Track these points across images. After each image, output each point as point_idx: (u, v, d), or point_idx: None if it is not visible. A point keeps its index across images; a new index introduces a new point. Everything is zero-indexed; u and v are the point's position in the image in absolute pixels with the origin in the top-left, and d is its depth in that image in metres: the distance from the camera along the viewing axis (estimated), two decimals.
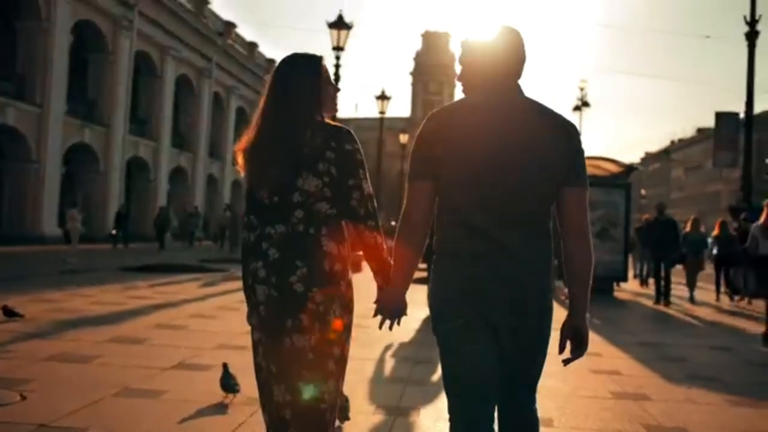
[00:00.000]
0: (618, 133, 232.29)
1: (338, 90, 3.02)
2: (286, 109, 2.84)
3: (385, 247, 2.92)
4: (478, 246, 2.56)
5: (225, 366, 5.33)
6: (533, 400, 2.79)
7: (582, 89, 46.72)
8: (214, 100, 48.35)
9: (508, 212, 2.55)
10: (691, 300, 15.72)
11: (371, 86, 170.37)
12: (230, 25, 49.48)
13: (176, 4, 40.80)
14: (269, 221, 2.84)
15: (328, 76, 2.96)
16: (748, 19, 19.73)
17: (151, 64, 40.63)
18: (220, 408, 5.18)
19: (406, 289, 2.81)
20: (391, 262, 2.83)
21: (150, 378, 5.94)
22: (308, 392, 2.81)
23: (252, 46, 53.92)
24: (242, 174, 2.96)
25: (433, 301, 2.71)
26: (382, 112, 35.28)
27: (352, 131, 2.89)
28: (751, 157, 20.46)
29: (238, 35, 51.49)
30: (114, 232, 30.41)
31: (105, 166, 35.94)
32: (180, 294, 12.50)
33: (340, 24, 22.73)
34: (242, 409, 5.12)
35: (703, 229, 17.20)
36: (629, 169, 17.70)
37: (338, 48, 22.67)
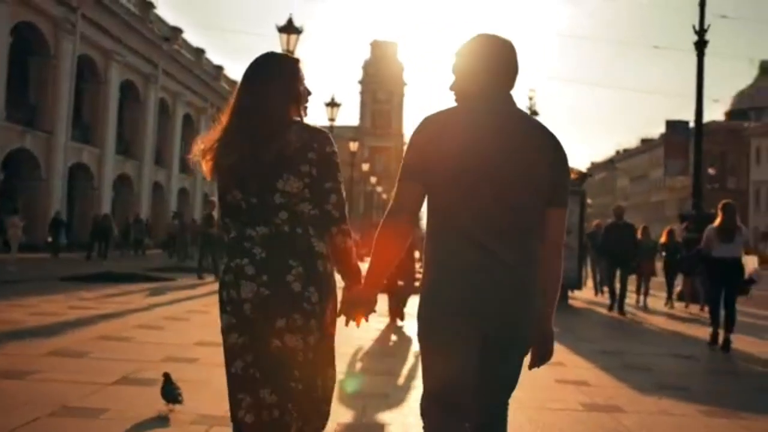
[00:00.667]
0: (563, 143, 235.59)
1: (311, 93, 3.00)
2: (265, 108, 2.82)
3: (354, 251, 2.93)
4: (473, 256, 2.55)
5: (166, 375, 5.01)
6: (505, 413, 2.82)
7: (531, 98, 47.14)
8: (161, 107, 47.44)
9: (504, 222, 2.56)
10: (644, 307, 15.75)
11: (319, 94, 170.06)
12: (177, 31, 48.63)
13: (121, 7, 39.89)
14: (248, 223, 2.80)
15: (303, 78, 2.95)
16: (697, 28, 19.88)
17: (95, 69, 39.64)
18: (165, 426, 4.78)
19: (380, 287, 2.82)
20: (359, 265, 2.90)
21: (91, 395, 5.48)
22: (306, 389, 2.78)
23: (199, 52, 53.10)
24: (207, 175, 2.90)
25: (424, 309, 2.66)
26: (332, 119, 34.80)
27: (329, 134, 2.87)
28: (701, 165, 20.57)
29: (184, 41, 50.64)
30: (50, 239, 29.28)
31: (47, 173, 34.89)
32: (125, 304, 11.92)
33: (290, 28, 22.31)
34: (189, 429, 4.72)
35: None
36: (583, 176, 17.59)
37: (288, 53, 22.24)
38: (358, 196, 53.51)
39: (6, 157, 32.04)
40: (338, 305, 2.87)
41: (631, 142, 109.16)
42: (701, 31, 19.93)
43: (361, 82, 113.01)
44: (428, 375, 2.69)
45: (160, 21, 46.87)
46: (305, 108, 2.97)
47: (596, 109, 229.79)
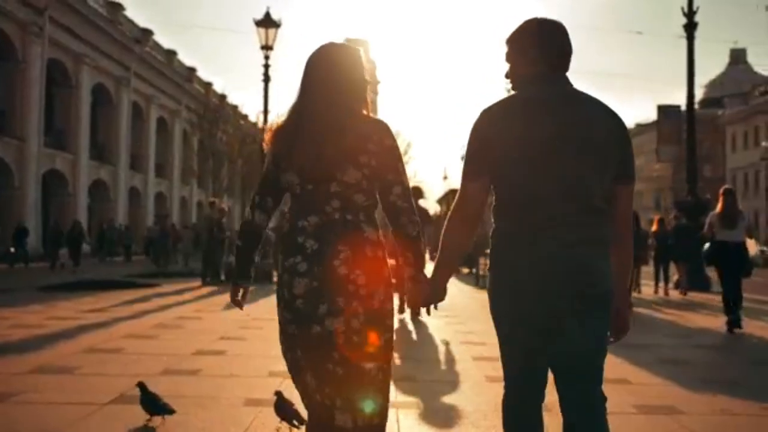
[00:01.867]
0: None
1: (370, 83, 2.96)
2: (327, 100, 2.81)
3: (423, 241, 2.90)
4: (541, 237, 2.56)
5: (141, 385, 4.56)
6: (600, 392, 2.70)
7: (509, 91, 46.58)
8: (134, 110, 46.53)
9: (572, 204, 2.57)
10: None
11: (289, 96, 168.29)
12: (147, 32, 47.66)
13: (89, 9, 38.94)
14: (300, 213, 2.81)
15: (364, 68, 2.92)
16: (686, 10, 19.49)
17: (65, 73, 38.72)
18: None
19: (448, 279, 2.84)
20: (426, 255, 2.91)
21: (85, 418, 4.81)
22: (347, 375, 2.73)
23: (171, 53, 52.11)
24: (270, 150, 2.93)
25: (495, 289, 2.70)
26: None
27: (389, 125, 2.87)
28: (695, 150, 20.17)
29: (156, 42, 49.66)
30: (12, 249, 27.95)
31: (19, 181, 33.93)
32: (110, 313, 11.11)
33: (267, 22, 21.63)
34: None
35: None
36: None
37: (267, 47, 21.56)
38: None
39: None
40: (399, 295, 2.86)
41: None
42: (690, 13, 19.55)
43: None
44: (502, 348, 2.76)
45: (130, 23, 45.90)
46: (366, 99, 2.93)
47: None
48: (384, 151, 2.79)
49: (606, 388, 2.74)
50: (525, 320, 2.61)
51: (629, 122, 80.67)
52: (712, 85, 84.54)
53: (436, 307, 2.91)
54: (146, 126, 48.29)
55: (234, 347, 7.68)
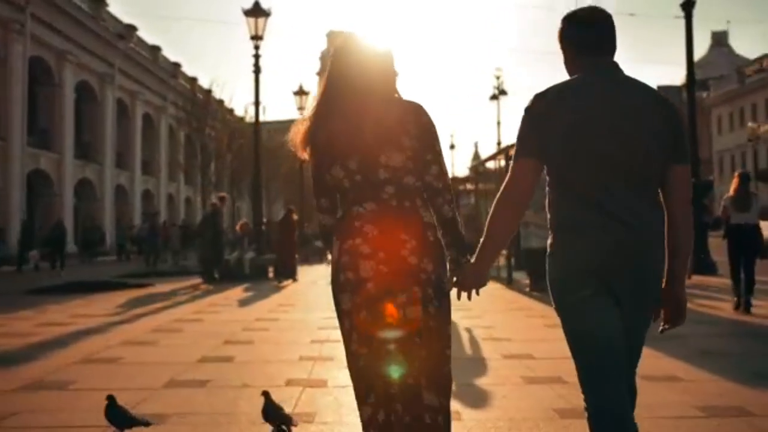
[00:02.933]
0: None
1: (397, 74, 2.98)
2: (368, 86, 2.83)
3: (458, 220, 2.93)
4: (599, 219, 2.57)
5: (110, 398, 4.15)
6: (635, 372, 2.75)
7: (498, 77, 46.28)
8: (119, 107, 45.78)
9: (627, 185, 2.58)
10: None
11: (278, 89, 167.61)
12: (131, 28, 46.87)
13: (72, 5, 38.15)
14: (355, 201, 2.83)
15: (393, 59, 2.95)
16: None
17: (48, 71, 37.93)
18: None
19: (493, 263, 2.86)
20: (463, 234, 2.95)
21: None
22: (429, 355, 2.81)
23: (155, 49, 51.32)
24: (301, 153, 2.96)
25: (556, 274, 2.68)
26: (301, 108, 33.44)
27: (422, 105, 2.90)
28: (696, 132, 19.74)
29: (139, 38, 48.85)
30: None
31: (3, 181, 33.20)
32: (104, 317, 10.50)
33: (257, 11, 21.02)
34: None
35: None
36: None
37: (257, 37, 20.93)
38: None
39: None
40: (449, 274, 2.88)
41: None
42: None
43: (319, 74, 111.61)
44: (573, 333, 2.68)
45: (113, 19, 45.09)
46: (395, 83, 2.94)
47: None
48: (423, 131, 2.82)
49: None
50: (599, 303, 2.59)
51: None
52: (696, 67, 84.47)
53: (477, 293, 2.83)
54: (132, 123, 47.57)
55: (242, 352, 7.12)
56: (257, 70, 20.93)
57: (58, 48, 37.71)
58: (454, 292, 2.84)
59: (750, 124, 62.65)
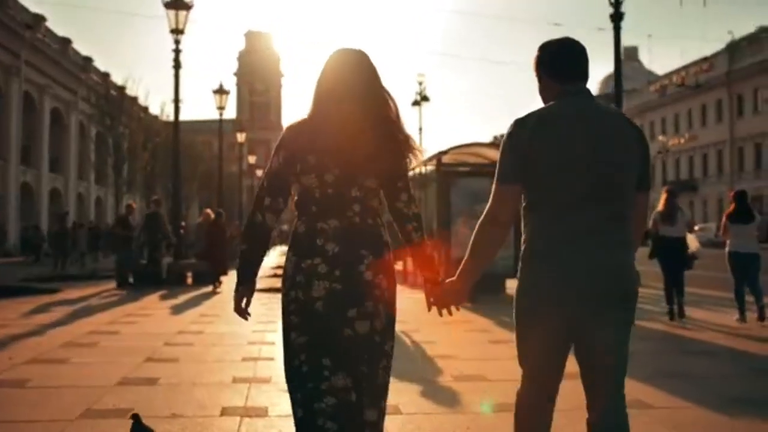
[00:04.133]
0: (460, 127, 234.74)
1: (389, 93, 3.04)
2: (355, 107, 2.87)
3: (427, 244, 3.06)
4: (574, 242, 2.67)
5: (134, 417, 3.80)
6: (623, 398, 2.81)
7: (420, 83, 46.11)
8: (26, 101, 43.61)
9: (603, 212, 2.70)
10: None
11: (195, 88, 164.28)
12: (39, 18, 44.80)
13: None
14: (320, 216, 2.85)
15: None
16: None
17: None
18: None
19: (473, 282, 2.88)
20: (435, 256, 3.17)
21: None
22: (371, 373, 2.85)
23: (65, 41, 49.24)
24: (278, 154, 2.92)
25: (522, 296, 2.78)
26: (221, 108, 32.40)
27: (409, 135, 3.01)
28: None
29: (48, 29, 46.77)
30: None
31: None
32: (3, 329, 9.50)
33: (178, 4, 20.06)
34: None
35: None
36: None
37: (177, 31, 19.99)
38: (243, 190, 51.40)
39: None
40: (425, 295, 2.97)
41: None
42: (617, 3, 19.16)
43: (236, 74, 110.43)
44: (521, 347, 2.85)
45: (21, 8, 42.99)
46: (389, 105, 2.99)
47: (498, 91, 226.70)
48: (398, 160, 2.94)
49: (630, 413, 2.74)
50: (561, 317, 2.70)
51: None
52: (605, 82, 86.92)
53: (458, 308, 2.93)
54: (39, 118, 45.42)
55: (167, 373, 6.36)
56: (177, 66, 19.96)
57: None
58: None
59: (660, 137, 64.65)
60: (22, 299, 13.78)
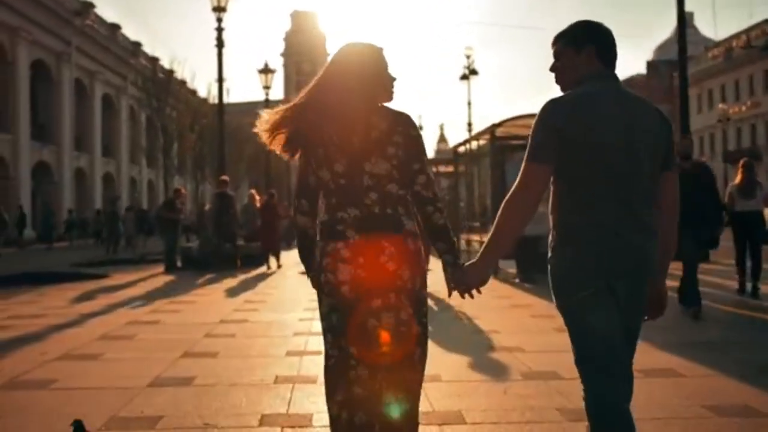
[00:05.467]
0: (512, 100, 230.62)
1: (395, 79, 3.03)
2: (354, 94, 2.88)
3: (449, 227, 3.00)
4: (605, 224, 2.67)
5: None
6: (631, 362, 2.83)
7: (468, 57, 45.21)
8: (77, 87, 43.88)
9: (633, 192, 2.70)
10: None
11: (242, 69, 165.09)
12: (88, 5, 44.91)
13: None
14: (339, 206, 2.89)
15: (388, 66, 3.03)
16: None
17: (0, 49, 36.02)
18: None
19: (495, 262, 3.10)
20: (454, 239, 3.01)
21: None
22: (396, 364, 2.87)
23: (114, 27, 49.38)
24: (278, 149, 2.99)
25: (559, 272, 2.75)
26: (267, 87, 31.99)
27: (411, 117, 2.98)
28: (687, 108, 18.79)
29: (97, 16, 46.90)
30: None
31: None
32: (43, 318, 9.12)
33: None
34: None
35: None
36: None
37: (219, 8, 19.53)
38: (291, 171, 51.22)
39: None
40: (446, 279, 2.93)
41: None
42: None
43: (283, 55, 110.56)
44: (574, 331, 2.76)
45: None
46: (391, 93, 3.02)
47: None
48: (410, 142, 2.91)
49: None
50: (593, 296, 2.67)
51: None
52: (660, 50, 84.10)
53: (479, 291, 2.89)
54: (91, 103, 45.73)
55: (204, 370, 5.83)
56: (220, 45, 19.54)
57: (11, 25, 35.85)
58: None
59: (720, 105, 62.30)
60: (69, 285, 13.61)
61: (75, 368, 6.10)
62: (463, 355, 6.31)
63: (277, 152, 3.00)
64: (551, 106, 2.73)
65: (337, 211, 2.87)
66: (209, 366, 6.05)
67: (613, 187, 2.66)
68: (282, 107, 2.99)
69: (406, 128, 2.89)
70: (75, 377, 5.75)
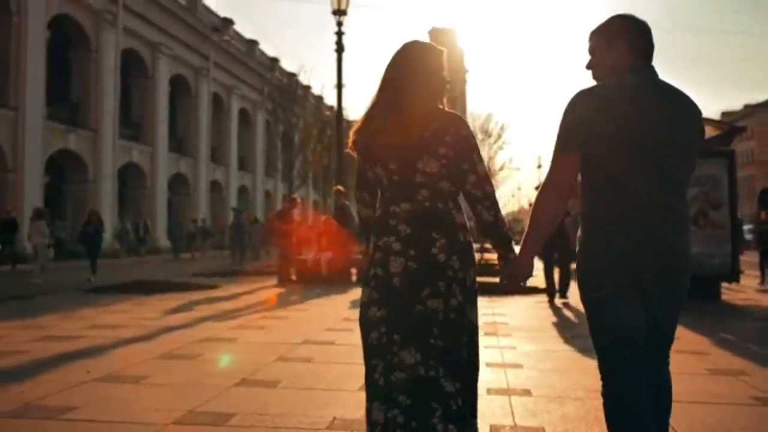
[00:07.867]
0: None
1: (449, 82, 3.10)
2: (409, 97, 2.96)
3: (500, 222, 3.03)
4: (635, 218, 2.64)
5: None
6: (668, 362, 2.85)
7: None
8: (214, 101, 44.95)
9: (665, 187, 2.67)
10: None
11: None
12: (227, 22, 45.99)
13: None
14: (392, 200, 3.00)
15: (445, 67, 3.08)
16: None
17: (141, 63, 37.30)
18: None
19: (536, 252, 2.92)
20: (507, 233, 3.06)
21: None
22: (447, 348, 2.87)
23: (252, 43, 50.37)
24: (351, 150, 3.12)
25: (585, 267, 2.77)
26: None
27: (463, 118, 3.02)
28: None
29: (236, 32, 47.96)
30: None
31: (94, 174, 32.57)
32: (129, 328, 8.50)
33: None
34: None
35: None
36: (732, 130, 12.97)
37: (339, 12, 18.87)
38: None
39: (49, 158, 29.76)
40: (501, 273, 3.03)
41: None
42: None
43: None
44: (596, 325, 2.77)
45: (209, 11, 44.30)
46: (444, 95, 3.08)
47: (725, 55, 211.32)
48: (460, 142, 2.95)
49: None
50: (634, 284, 2.66)
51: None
52: None
53: (525, 284, 2.97)
54: (227, 117, 46.73)
55: (251, 406, 4.82)
56: (340, 48, 18.85)
57: (151, 40, 37.09)
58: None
59: None
60: (173, 295, 13.16)
61: (108, 393, 5.21)
62: None
63: (349, 152, 3.14)
64: (578, 97, 2.73)
65: (390, 206, 2.99)
66: (259, 399, 5.01)
67: (645, 182, 2.64)
68: (361, 117, 3.13)
69: (457, 128, 2.96)
70: (100, 406, 4.80)
